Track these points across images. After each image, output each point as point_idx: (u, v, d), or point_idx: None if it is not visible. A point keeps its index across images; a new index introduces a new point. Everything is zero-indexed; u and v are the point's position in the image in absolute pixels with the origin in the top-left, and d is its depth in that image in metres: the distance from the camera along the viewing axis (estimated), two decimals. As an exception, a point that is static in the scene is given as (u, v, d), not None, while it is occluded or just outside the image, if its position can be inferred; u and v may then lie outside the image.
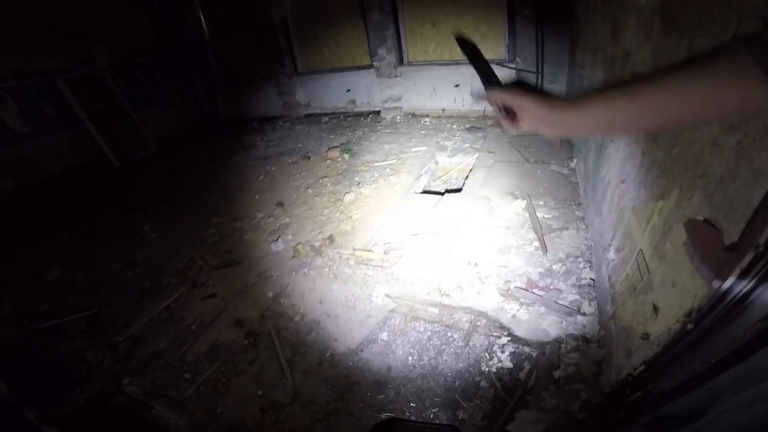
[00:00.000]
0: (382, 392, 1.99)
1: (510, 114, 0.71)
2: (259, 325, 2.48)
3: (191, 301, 2.71)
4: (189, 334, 2.47)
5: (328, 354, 2.26)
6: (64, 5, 5.91)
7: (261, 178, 4.43)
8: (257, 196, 3.97)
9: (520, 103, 0.68)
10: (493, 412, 1.80)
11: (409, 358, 2.17)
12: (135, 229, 3.73)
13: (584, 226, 2.76)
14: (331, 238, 3.12)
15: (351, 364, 2.19)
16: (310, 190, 3.93)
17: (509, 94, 0.69)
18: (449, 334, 2.26)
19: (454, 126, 5.08)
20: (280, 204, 3.72)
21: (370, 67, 6.00)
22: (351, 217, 3.38)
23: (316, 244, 3.08)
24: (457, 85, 5.36)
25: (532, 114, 0.67)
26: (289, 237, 3.22)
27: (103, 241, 3.65)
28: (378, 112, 6.25)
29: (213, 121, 7.94)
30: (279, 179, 4.32)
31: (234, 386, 2.15)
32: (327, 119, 6.58)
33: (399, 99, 5.99)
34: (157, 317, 2.62)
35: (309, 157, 4.79)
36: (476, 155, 4.06)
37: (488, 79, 0.75)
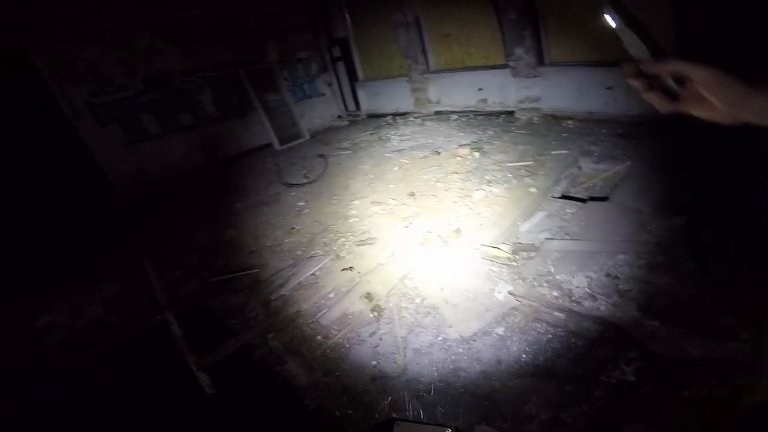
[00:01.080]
0: (486, 383, 2.11)
1: (675, 91, 0.62)
2: (385, 301, 2.81)
3: (332, 272, 3.21)
4: (327, 301, 2.94)
5: (440, 338, 2.46)
6: (245, 1, 7.15)
7: (395, 169, 4.87)
8: (392, 186, 4.39)
9: (707, 75, 0.56)
10: (601, 420, 1.77)
11: (523, 355, 2.24)
12: (293, 203, 4.53)
13: None
14: (458, 231, 3.31)
15: (461, 350, 2.35)
16: (439, 184, 4.18)
17: (691, 64, 0.58)
18: (572, 341, 2.24)
19: (603, 130, 4.72)
20: (412, 194, 4.06)
21: (505, 66, 5.93)
22: (480, 213, 3.51)
23: (443, 235, 3.30)
24: (609, 88, 4.94)
25: (721, 90, 0.56)
26: (419, 225, 3.52)
27: (267, 211, 4.53)
28: (512, 113, 6.15)
29: (354, 115, 8.87)
30: (411, 171, 4.69)
31: (354, 353, 2.50)
32: (456, 117, 6.76)
33: (537, 100, 5.80)
34: (304, 282, 3.17)
35: (439, 153, 5.05)
36: (628, 163, 3.74)
37: (653, 45, 0.63)
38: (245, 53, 7.31)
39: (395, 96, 7.92)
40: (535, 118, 5.80)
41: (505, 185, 3.86)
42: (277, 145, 7.37)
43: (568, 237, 2.96)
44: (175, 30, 6.47)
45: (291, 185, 5.14)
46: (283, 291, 3.11)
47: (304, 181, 5.20)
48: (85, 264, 4.15)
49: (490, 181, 3.99)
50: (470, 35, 6.41)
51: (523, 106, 5.97)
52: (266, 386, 2.52)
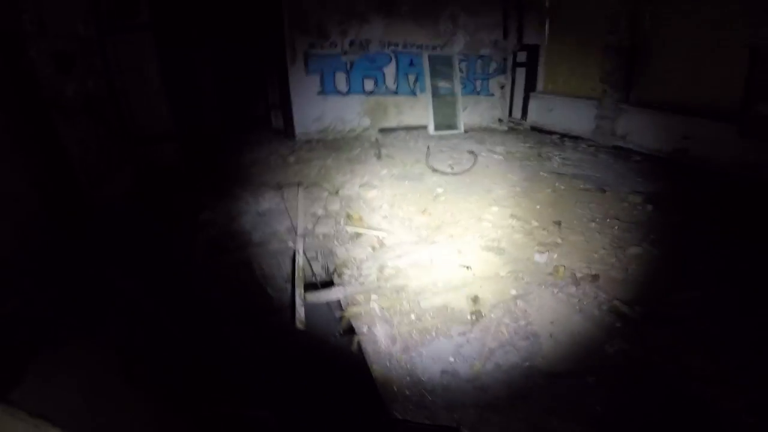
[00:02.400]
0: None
1: None
2: (488, 310, 2.81)
3: (449, 263, 3.30)
4: (433, 287, 3.05)
5: (527, 364, 2.43)
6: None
7: (548, 191, 4.60)
8: (538, 206, 4.18)
9: None
10: None
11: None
12: (432, 187, 4.75)
13: None
14: (595, 278, 3.02)
15: (542, 382, 2.29)
16: (593, 224, 3.81)
17: None
18: None
19: None
20: (558, 223, 3.80)
21: (731, 118, 4.84)
22: (627, 269, 3.12)
23: (578, 275, 3.06)
24: None
25: None
26: (555, 256, 3.31)
27: (409, 185, 4.83)
28: (726, 173, 4.95)
29: (516, 123, 8.56)
30: (565, 199, 4.38)
31: (437, 344, 2.60)
32: (640, 158, 5.92)
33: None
34: (420, 261, 3.36)
35: (604, 191, 4.56)
36: None
37: None
38: (433, 38, 7.72)
39: (572, 117, 7.34)
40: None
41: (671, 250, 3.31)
42: (431, 130, 7.65)
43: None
44: (386, 3, 7.16)
45: (435, 170, 5.33)
46: (399, 262, 3.32)
47: (449, 170, 5.32)
48: (257, 180, 5.09)
49: (653, 241, 3.46)
50: (697, 67, 5.37)
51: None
52: (347, 340, 2.81)
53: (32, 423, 1.44)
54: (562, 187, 4.69)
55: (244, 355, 2.89)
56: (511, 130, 8.47)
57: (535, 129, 8.17)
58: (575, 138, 7.18)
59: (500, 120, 8.78)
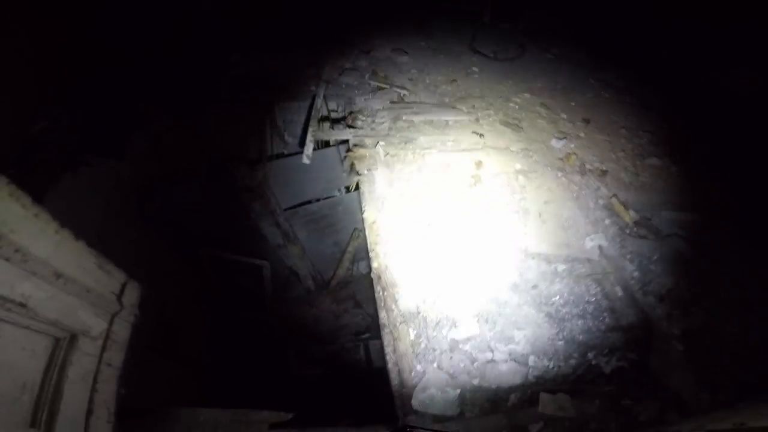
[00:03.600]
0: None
1: None
2: (490, 177, 2.94)
3: (464, 129, 3.36)
4: (442, 145, 3.15)
5: (510, 237, 2.57)
6: None
7: (590, 95, 4.35)
8: (573, 104, 4.03)
9: None
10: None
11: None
12: (468, 65, 4.51)
13: None
14: (604, 173, 3.05)
15: (515, 258, 2.49)
16: (623, 131, 3.69)
17: None
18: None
19: None
20: (586, 120, 3.71)
21: None
22: (639, 175, 3.11)
23: (587, 167, 3.14)
24: None
25: None
26: (572, 145, 3.31)
27: (444, 59, 4.59)
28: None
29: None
30: (604, 106, 4.17)
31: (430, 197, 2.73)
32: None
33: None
34: (436, 121, 3.39)
35: (648, 109, 4.28)
36: None
37: None
38: None
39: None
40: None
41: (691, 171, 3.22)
42: (486, 16, 6.95)
43: None
44: None
45: (476, 52, 5.00)
46: (415, 118, 3.34)
47: (491, 55, 4.99)
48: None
49: (677, 158, 3.35)
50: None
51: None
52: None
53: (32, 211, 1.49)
54: (606, 96, 4.41)
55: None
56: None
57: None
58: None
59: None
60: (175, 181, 3.19)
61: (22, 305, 1.47)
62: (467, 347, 2.06)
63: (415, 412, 1.95)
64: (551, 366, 2.07)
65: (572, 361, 2.10)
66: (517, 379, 2.02)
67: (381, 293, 2.22)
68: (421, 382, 1.99)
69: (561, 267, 2.42)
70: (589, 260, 2.47)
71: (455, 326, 2.11)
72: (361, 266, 3.53)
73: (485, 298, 2.24)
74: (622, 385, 2.00)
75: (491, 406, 1.97)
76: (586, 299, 2.30)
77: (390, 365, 2.08)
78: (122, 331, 2.14)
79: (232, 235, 3.26)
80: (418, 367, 2.03)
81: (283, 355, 3.44)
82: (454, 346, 2.06)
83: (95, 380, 1.98)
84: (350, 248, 3.40)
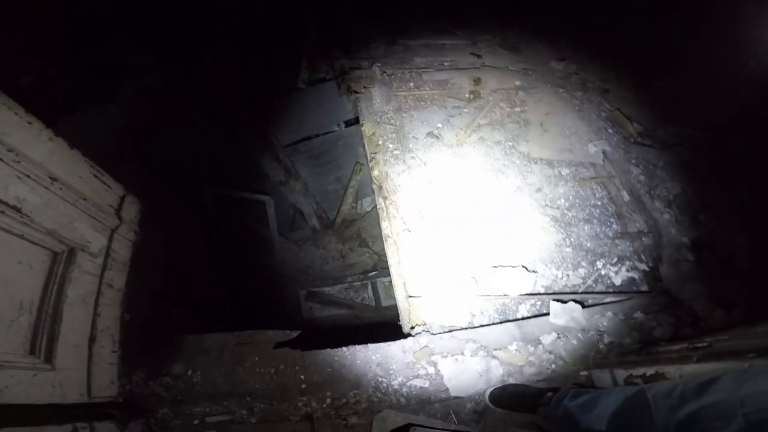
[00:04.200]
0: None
1: None
2: (487, 93, 2.64)
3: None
4: (441, 65, 2.85)
5: (510, 144, 2.39)
6: None
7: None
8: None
9: None
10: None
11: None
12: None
13: None
14: (605, 91, 2.80)
15: (518, 161, 2.31)
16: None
17: None
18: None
19: None
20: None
21: None
22: (641, 90, 2.84)
23: (589, 85, 2.83)
24: None
25: None
26: (573, 66, 2.99)
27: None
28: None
29: None
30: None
31: (429, 111, 2.57)
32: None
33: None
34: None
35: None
36: None
37: None
38: None
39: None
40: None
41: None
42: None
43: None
44: None
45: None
46: (410, 42, 3.06)
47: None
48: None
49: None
50: None
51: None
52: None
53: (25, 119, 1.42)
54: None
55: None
56: None
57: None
58: None
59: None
60: (171, 122, 2.98)
61: (17, 209, 1.35)
62: (473, 252, 1.92)
63: (423, 323, 1.84)
64: (560, 275, 1.95)
65: (581, 270, 1.97)
66: (526, 287, 1.89)
67: (383, 203, 2.06)
68: (427, 290, 1.87)
69: (565, 171, 2.25)
70: (593, 164, 2.31)
71: (459, 230, 1.96)
72: (365, 203, 3.37)
73: (488, 201, 2.08)
74: (633, 297, 1.87)
75: (500, 315, 1.85)
76: (592, 203, 2.14)
77: (395, 278, 1.96)
78: (123, 249, 2.01)
79: (233, 173, 3.09)
80: (424, 276, 1.90)
81: (294, 297, 3.35)
82: (461, 251, 1.92)
83: (97, 303, 1.87)
84: (353, 183, 3.22)
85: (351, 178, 3.21)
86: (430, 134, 2.40)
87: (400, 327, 1.87)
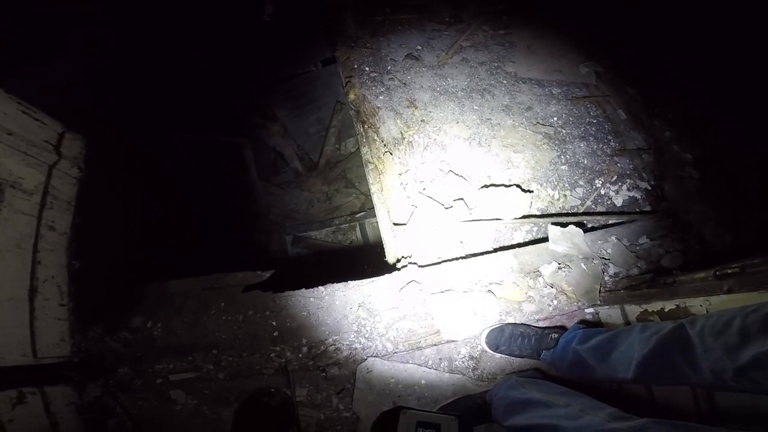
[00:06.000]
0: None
1: None
2: (468, 17, 2.08)
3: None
4: None
5: (495, 64, 1.88)
6: None
7: None
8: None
9: None
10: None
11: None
12: None
13: None
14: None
15: (505, 81, 1.82)
16: None
17: None
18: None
19: None
20: None
21: None
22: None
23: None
24: None
25: None
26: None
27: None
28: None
29: None
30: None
31: (407, 33, 1.99)
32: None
33: None
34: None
35: None
36: None
37: None
38: None
39: None
40: None
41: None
42: None
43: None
44: None
45: None
46: None
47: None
48: None
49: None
50: None
51: None
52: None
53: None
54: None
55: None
56: None
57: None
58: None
59: None
60: (131, 72, 2.32)
61: None
62: (460, 172, 1.44)
63: (410, 255, 1.38)
64: (557, 196, 1.50)
65: (579, 190, 1.53)
66: (520, 210, 1.43)
67: (360, 128, 1.55)
68: (413, 216, 1.40)
69: (556, 90, 1.78)
70: (585, 84, 1.83)
71: (444, 150, 1.47)
72: (350, 144, 2.82)
73: (474, 120, 1.58)
74: (637, 218, 1.43)
75: (494, 243, 1.40)
76: (587, 120, 1.69)
77: (377, 206, 1.48)
78: (66, 187, 1.49)
79: (205, 119, 2.49)
80: (408, 201, 1.42)
81: (280, 242, 2.86)
82: (445, 171, 1.43)
83: (35, 248, 1.37)
84: (334, 123, 2.67)
85: (332, 118, 2.64)
86: (409, 56, 1.86)
87: (385, 262, 1.42)
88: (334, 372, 1.29)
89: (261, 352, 1.27)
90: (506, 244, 1.41)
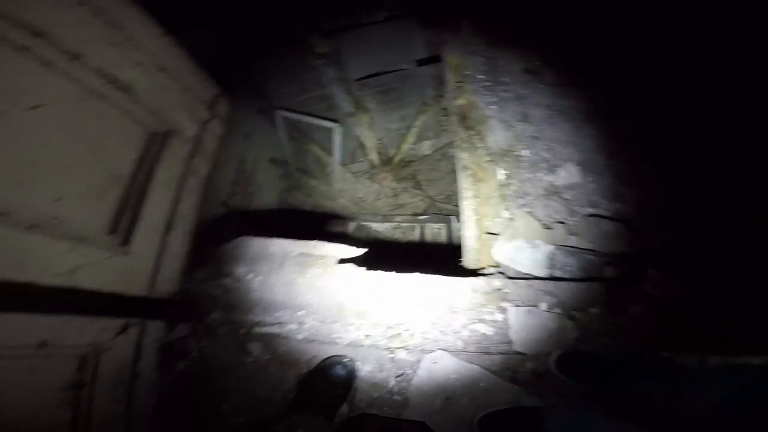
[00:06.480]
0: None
1: None
2: None
3: None
4: None
5: None
6: None
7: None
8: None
9: None
10: None
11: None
12: None
13: None
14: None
15: None
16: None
17: None
18: None
19: None
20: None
21: None
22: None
23: None
24: None
25: None
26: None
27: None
28: None
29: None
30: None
31: None
32: None
33: None
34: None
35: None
36: None
37: None
38: None
39: None
40: None
41: None
42: None
43: None
44: None
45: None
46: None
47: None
48: None
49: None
50: None
51: None
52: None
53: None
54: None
55: None
56: None
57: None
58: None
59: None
60: (256, 53, 2.57)
61: (128, 88, 1.18)
62: (567, 196, 1.40)
63: (497, 264, 1.37)
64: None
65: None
66: (620, 246, 1.36)
67: (464, 134, 1.56)
68: (507, 228, 1.39)
69: None
70: None
71: (552, 170, 1.44)
72: (425, 146, 2.85)
73: (589, 145, 1.52)
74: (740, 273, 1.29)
75: (586, 272, 1.35)
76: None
77: (466, 212, 1.49)
78: (210, 141, 1.66)
79: (306, 100, 2.66)
80: (505, 213, 1.41)
81: (343, 226, 2.98)
82: (551, 191, 1.40)
83: (180, 187, 1.52)
84: (417, 123, 2.71)
85: (416, 117, 2.68)
86: (527, 70, 1.81)
87: (459, 267, 1.44)
88: (401, 356, 1.32)
89: (342, 322, 1.34)
90: (597, 275, 1.35)
